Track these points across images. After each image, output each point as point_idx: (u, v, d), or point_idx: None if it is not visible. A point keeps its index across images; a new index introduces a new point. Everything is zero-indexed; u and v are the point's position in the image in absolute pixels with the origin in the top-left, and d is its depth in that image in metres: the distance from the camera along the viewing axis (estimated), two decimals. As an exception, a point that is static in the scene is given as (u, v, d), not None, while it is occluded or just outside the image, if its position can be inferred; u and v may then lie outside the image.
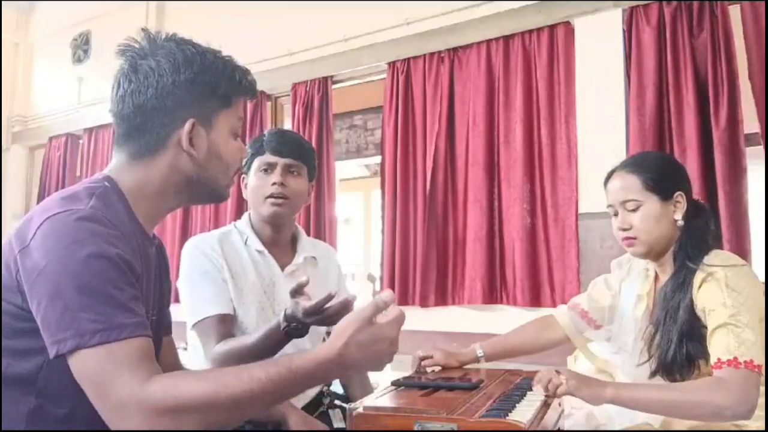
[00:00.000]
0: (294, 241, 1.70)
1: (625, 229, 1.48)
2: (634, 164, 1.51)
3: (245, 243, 1.62)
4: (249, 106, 3.93)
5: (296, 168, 1.62)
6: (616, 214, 1.51)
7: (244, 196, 1.69)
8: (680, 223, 1.45)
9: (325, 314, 1.33)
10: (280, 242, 1.67)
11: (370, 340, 0.90)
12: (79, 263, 0.86)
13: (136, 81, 1.00)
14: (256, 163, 1.63)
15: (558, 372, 1.28)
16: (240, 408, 0.86)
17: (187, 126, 1.01)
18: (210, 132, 1.04)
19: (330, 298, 1.33)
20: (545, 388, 1.28)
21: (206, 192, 1.08)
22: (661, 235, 1.46)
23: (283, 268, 1.63)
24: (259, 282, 1.59)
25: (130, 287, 0.91)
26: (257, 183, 1.62)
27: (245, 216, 1.69)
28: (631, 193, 1.46)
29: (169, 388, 0.83)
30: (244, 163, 1.64)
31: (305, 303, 1.33)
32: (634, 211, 1.46)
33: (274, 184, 1.58)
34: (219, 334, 1.47)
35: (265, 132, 1.70)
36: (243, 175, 1.67)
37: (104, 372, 0.84)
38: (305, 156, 1.65)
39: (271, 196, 1.59)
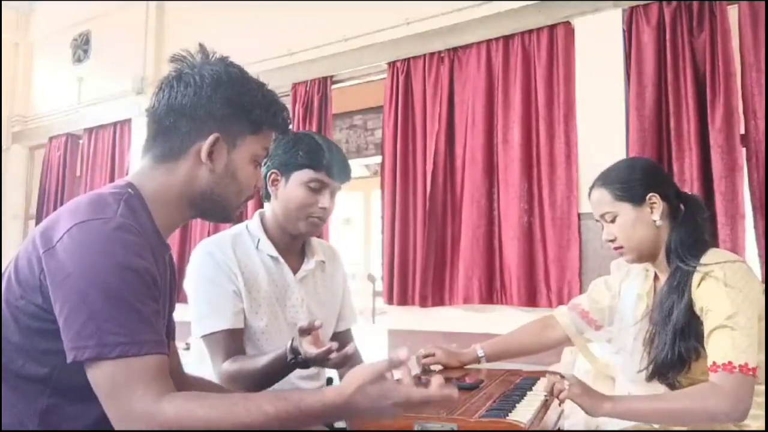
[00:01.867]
0: (303, 244, 1.67)
1: (611, 240, 1.51)
2: (602, 178, 1.55)
3: (257, 247, 1.57)
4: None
5: (338, 190, 1.60)
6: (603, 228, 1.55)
7: (269, 191, 1.59)
8: (659, 223, 1.46)
9: (327, 362, 1.34)
10: (293, 248, 1.63)
11: (378, 395, 0.92)
12: (108, 273, 0.88)
13: (176, 87, 1.05)
14: (306, 175, 1.53)
15: (562, 377, 1.28)
16: None
17: (211, 138, 1.04)
18: (232, 151, 1.07)
19: (331, 351, 1.33)
20: (549, 391, 1.28)
21: (217, 209, 1.11)
22: (643, 238, 1.47)
23: (294, 272, 1.60)
24: (271, 290, 1.55)
25: (153, 302, 0.94)
26: (304, 199, 1.53)
27: (256, 217, 1.63)
28: (604, 206, 1.51)
29: (181, 410, 0.87)
30: (281, 162, 1.56)
31: (309, 350, 1.33)
32: (612, 222, 1.50)
33: (323, 207, 1.54)
34: (227, 351, 1.45)
35: (320, 142, 1.57)
36: (274, 171, 1.57)
37: (120, 384, 0.87)
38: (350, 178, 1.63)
39: (315, 217, 1.55)
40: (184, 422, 0.86)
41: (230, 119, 1.05)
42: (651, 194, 1.47)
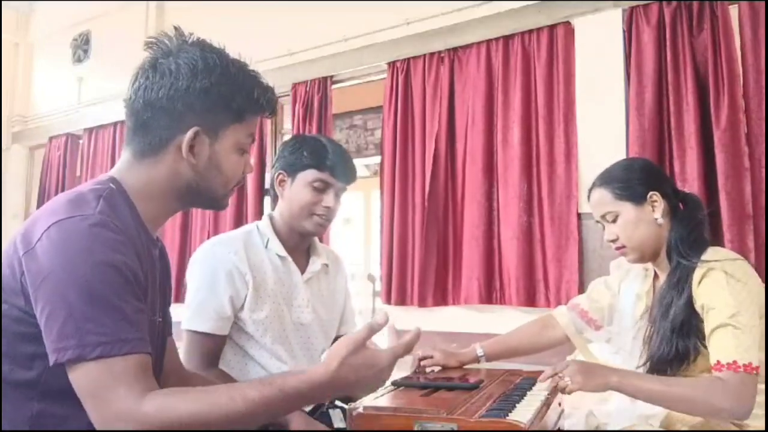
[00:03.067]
0: (308, 246, 1.70)
1: (612, 240, 1.51)
2: (602, 178, 1.56)
3: (266, 246, 1.59)
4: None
5: (343, 191, 1.63)
6: (604, 228, 1.55)
7: (276, 191, 1.63)
8: (660, 221, 1.47)
9: None
10: (300, 248, 1.66)
11: (362, 364, 0.91)
12: (87, 272, 0.86)
13: (152, 78, 1.00)
14: (311, 175, 1.57)
15: (565, 367, 1.28)
16: (231, 426, 0.88)
17: (190, 133, 1.00)
18: (214, 143, 1.03)
19: None
20: (551, 388, 1.28)
21: (204, 199, 1.08)
22: (644, 237, 1.48)
23: (301, 273, 1.63)
24: (278, 289, 1.57)
25: (134, 299, 0.91)
26: (308, 198, 1.57)
27: (266, 218, 1.65)
28: (605, 206, 1.51)
29: (163, 407, 0.85)
30: (288, 162, 1.59)
31: None
32: (614, 222, 1.50)
33: (327, 207, 1.57)
34: (202, 352, 1.49)
35: (326, 143, 1.61)
36: (280, 172, 1.61)
37: (102, 385, 0.85)
38: (355, 180, 1.65)
39: (319, 216, 1.58)
40: (167, 419, 0.84)
41: (210, 110, 1.00)
42: (652, 193, 1.47)
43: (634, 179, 1.50)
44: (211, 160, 1.03)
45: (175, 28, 1.04)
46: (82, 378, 0.86)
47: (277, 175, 1.62)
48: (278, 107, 1.12)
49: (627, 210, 1.48)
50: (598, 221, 1.56)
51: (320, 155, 1.57)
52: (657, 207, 1.47)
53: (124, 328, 0.87)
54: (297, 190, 1.58)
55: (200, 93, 0.99)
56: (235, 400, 0.87)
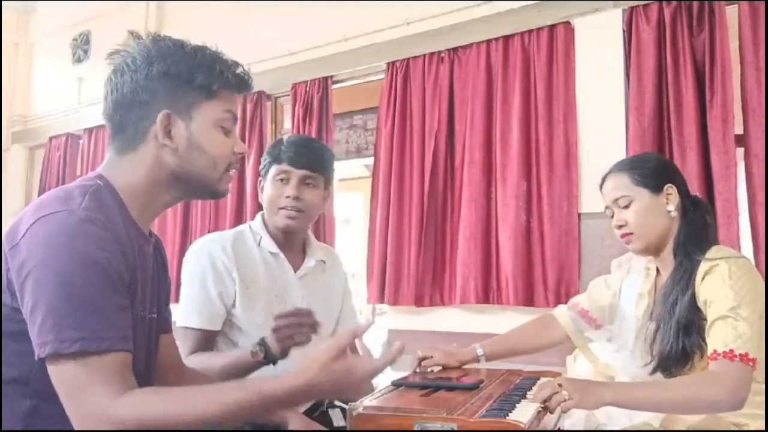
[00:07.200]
0: (304, 244, 1.72)
1: (621, 226, 1.51)
2: (622, 164, 1.58)
3: (258, 244, 1.62)
4: (249, 106, 3.93)
5: (312, 179, 1.61)
6: (613, 216, 1.54)
7: (259, 199, 1.69)
8: (673, 214, 1.48)
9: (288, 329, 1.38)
10: (293, 246, 1.68)
11: (340, 371, 0.91)
12: (68, 267, 0.86)
13: (115, 80, 1.02)
14: (273, 170, 1.62)
15: (559, 385, 1.27)
16: (205, 428, 0.88)
17: (160, 117, 1.00)
18: (190, 123, 1.02)
19: (301, 314, 1.40)
20: (547, 403, 1.26)
21: (197, 187, 1.07)
22: (655, 227, 1.49)
23: (294, 270, 1.65)
24: (270, 286, 1.59)
25: (117, 296, 0.91)
26: (273, 192, 1.61)
27: (259, 217, 1.69)
28: (621, 190, 1.52)
29: (138, 407, 0.85)
30: (261, 167, 1.66)
31: (278, 322, 1.39)
32: (626, 207, 1.51)
33: (288, 197, 1.58)
34: (193, 348, 1.51)
35: (284, 138, 1.69)
36: (260, 179, 1.68)
37: (78, 382, 0.85)
38: (323, 167, 1.63)
39: (284, 209, 1.58)
40: (142, 419, 0.84)
41: (175, 92, 1.01)
42: (669, 185, 1.49)
43: (654, 169, 1.52)
44: (190, 141, 1.03)
45: (129, 32, 1.05)
46: (59, 374, 0.86)
47: (259, 182, 1.69)
48: (252, 83, 1.09)
49: (643, 196, 1.49)
50: (607, 207, 1.56)
51: (275, 149, 1.63)
52: (672, 200, 1.49)
53: (103, 325, 0.87)
54: (266, 189, 1.64)
55: (160, 77, 1.00)
56: (210, 404, 0.87)
